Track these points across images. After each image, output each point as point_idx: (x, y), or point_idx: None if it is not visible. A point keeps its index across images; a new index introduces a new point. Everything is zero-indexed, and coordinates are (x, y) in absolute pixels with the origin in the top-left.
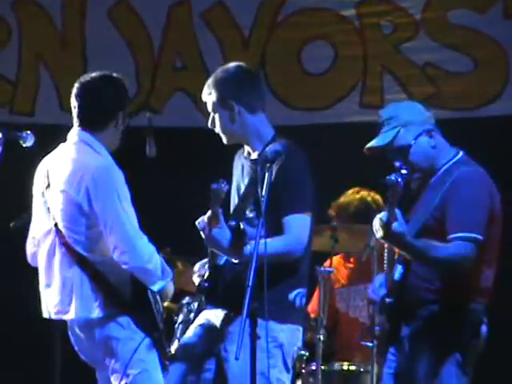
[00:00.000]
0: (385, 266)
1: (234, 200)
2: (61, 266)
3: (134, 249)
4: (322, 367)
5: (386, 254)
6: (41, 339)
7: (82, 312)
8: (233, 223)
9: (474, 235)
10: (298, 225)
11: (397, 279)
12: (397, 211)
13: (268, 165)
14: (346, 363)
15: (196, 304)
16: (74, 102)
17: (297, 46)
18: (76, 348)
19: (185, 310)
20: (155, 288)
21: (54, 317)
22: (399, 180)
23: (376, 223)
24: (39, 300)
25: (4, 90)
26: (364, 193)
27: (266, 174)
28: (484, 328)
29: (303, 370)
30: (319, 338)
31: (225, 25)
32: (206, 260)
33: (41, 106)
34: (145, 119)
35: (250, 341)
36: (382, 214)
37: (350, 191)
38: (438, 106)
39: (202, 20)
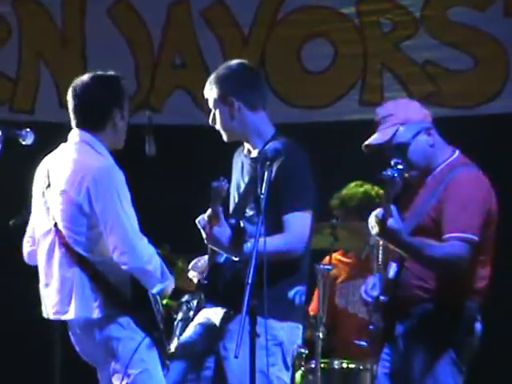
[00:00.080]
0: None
1: (234, 198)
2: (60, 265)
3: (134, 250)
4: (322, 365)
5: (380, 252)
6: (40, 339)
7: (81, 312)
8: (233, 221)
9: (469, 236)
10: (299, 223)
11: (391, 277)
12: (393, 208)
13: (268, 163)
14: (345, 361)
15: (195, 302)
16: (69, 105)
17: (296, 44)
18: (77, 348)
19: (184, 308)
20: (154, 291)
21: (52, 317)
22: (395, 175)
23: (372, 220)
24: (39, 299)
25: (4, 87)
26: (368, 186)
27: (266, 173)
28: (478, 326)
29: (302, 368)
30: (318, 336)
31: (224, 23)
32: (201, 257)
33: (41, 103)
34: (144, 117)
35: (250, 339)
36: (378, 211)
37: (353, 184)
38: (438, 104)
39: (202, 18)
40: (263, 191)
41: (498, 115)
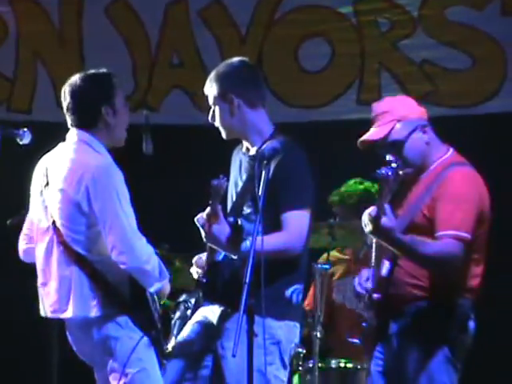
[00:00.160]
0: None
1: (232, 196)
2: (58, 264)
3: (133, 249)
4: (319, 364)
5: (373, 250)
6: (38, 338)
7: (79, 311)
8: (231, 219)
9: (462, 233)
10: (297, 221)
11: (384, 275)
12: (386, 206)
13: (265, 162)
14: (343, 361)
15: (193, 300)
16: (63, 105)
17: (294, 44)
18: (74, 348)
19: (182, 307)
20: (152, 289)
21: (50, 316)
22: (389, 174)
23: (365, 218)
24: (36, 298)
25: (1, 87)
26: (368, 184)
27: (263, 172)
28: (472, 324)
29: (300, 368)
30: (316, 335)
31: (222, 23)
32: (204, 253)
33: (38, 103)
34: (142, 117)
35: (247, 338)
36: (371, 209)
37: (352, 181)
38: (436, 103)
39: (200, 18)
40: (260, 191)
41: (496, 114)
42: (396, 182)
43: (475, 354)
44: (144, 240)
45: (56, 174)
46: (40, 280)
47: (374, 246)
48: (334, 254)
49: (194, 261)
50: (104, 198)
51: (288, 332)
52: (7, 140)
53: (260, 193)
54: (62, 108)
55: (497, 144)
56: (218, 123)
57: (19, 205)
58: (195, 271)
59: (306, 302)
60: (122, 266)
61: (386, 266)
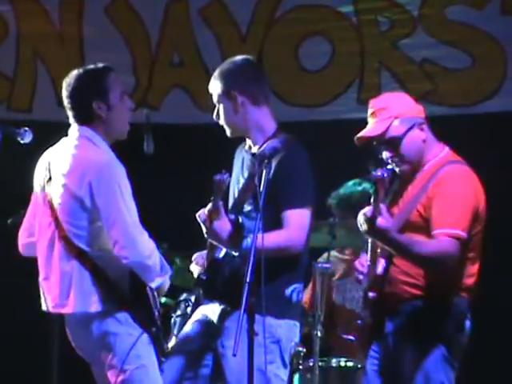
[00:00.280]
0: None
1: (234, 193)
2: (60, 259)
3: (135, 244)
4: (320, 363)
5: (369, 249)
6: (38, 336)
7: (80, 306)
8: (232, 216)
9: (458, 232)
10: (298, 220)
11: (380, 273)
12: (382, 206)
13: (266, 161)
14: (343, 360)
15: (193, 298)
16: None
17: (294, 43)
18: (73, 344)
19: (182, 306)
20: (153, 285)
21: (51, 310)
22: (385, 175)
23: (360, 218)
24: (37, 296)
25: (1, 86)
26: (366, 185)
27: (264, 171)
28: (468, 323)
29: (300, 366)
30: (316, 334)
31: (222, 21)
32: (204, 251)
33: (38, 102)
34: (142, 116)
35: (248, 336)
36: (367, 209)
37: (351, 183)
38: (436, 102)
39: (200, 16)
40: (261, 189)
41: (496, 113)
42: (396, 182)
43: (471, 352)
44: (146, 235)
45: (58, 170)
46: (42, 275)
47: (369, 244)
48: (334, 254)
49: (193, 258)
50: (107, 193)
51: (288, 331)
52: (8, 139)
53: (261, 191)
54: (62, 107)
55: (496, 143)
56: (222, 121)
57: (20, 204)
58: (194, 269)
59: (304, 300)
60: (124, 261)
61: (381, 265)
